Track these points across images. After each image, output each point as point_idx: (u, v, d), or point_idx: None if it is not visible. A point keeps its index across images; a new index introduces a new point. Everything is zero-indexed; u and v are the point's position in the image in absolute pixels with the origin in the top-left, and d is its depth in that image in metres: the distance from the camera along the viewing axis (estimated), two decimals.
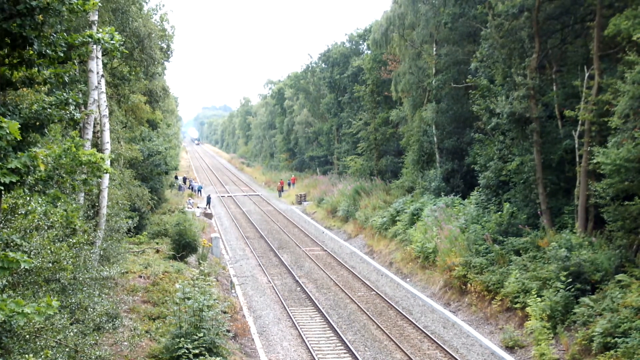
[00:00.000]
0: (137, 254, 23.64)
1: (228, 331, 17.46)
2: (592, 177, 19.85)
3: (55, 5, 7.53)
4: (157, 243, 26.78)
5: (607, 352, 14.40)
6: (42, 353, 8.83)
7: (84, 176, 10.69)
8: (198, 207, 45.60)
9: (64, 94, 8.48)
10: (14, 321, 7.22)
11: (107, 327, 12.99)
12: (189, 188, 57.89)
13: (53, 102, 8.34)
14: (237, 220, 43.60)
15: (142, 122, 31.27)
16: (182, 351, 13.46)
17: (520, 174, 22.76)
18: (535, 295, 17.84)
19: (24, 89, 9.33)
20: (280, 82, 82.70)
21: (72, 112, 8.56)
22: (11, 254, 6.62)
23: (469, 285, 21.43)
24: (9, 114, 7.75)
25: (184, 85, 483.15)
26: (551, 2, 22.73)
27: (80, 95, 15.46)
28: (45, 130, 8.30)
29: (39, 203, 9.43)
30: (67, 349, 9.84)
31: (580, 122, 20.49)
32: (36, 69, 8.12)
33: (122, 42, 9.05)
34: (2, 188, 6.89)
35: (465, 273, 21.78)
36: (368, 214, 35.43)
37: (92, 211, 16.84)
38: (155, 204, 32.30)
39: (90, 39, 8.36)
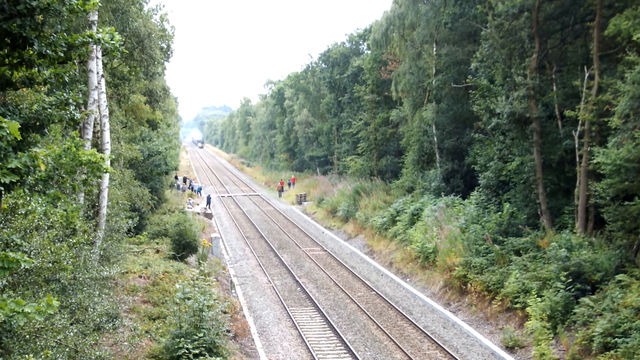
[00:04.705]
0: (137, 254, 23.64)
1: (228, 331, 17.47)
2: (592, 177, 19.86)
3: (56, 6, 7.52)
4: (157, 243, 26.78)
5: (607, 352, 14.40)
6: (42, 353, 8.83)
7: (84, 176, 10.70)
8: (198, 205, 45.90)
9: (64, 94, 8.47)
10: (14, 321, 7.22)
11: (107, 327, 12.99)
12: (189, 188, 57.93)
13: (53, 102, 8.34)
14: (237, 220, 43.60)
15: (142, 122, 31.23)
16: (182, 351, 13.46)
17: (520, 174, 22.77)
18: (536, 296, 17.85)
19: (24, 89, 9.33)
20: (280, 82, 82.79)
21: (72, 112, 8.55)
22: (11, 254, 6.62)
23: (469, 285, 21.42)
24: (9, 114, 7.75)
25: (184, 85, 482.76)
26: (551, 2, 22.75)
27: (80, 96, 15.52)
28: (46, 130, 8.28)
29: (39, 203, 9.42)
30: (67, 349, 9.84)
31: (580, 122, 20.49)
32: (36, 69, 8.11)
33: (122, 42, 9.05)
34: (2, 188, 6.89)
35: (465, 273, 21.77)
36: (368, 214, 35.43)
37: (92, 211, 16.84)
38: (155, 204, 32.30)
39: (90, 39, 8.36)
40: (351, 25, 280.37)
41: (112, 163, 20.55)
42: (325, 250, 32.58)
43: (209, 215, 43.31)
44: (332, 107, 56.27)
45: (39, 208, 9.41)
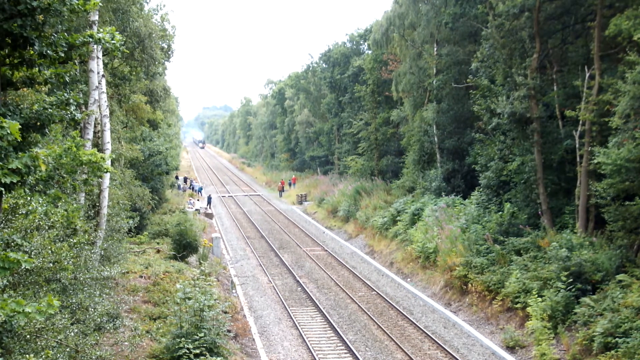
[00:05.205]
0: (138, 254, 23.65)
1: (229, 331, 17.47)
2: (592, 177, 19.84)
3: (56, 6, 7.52)
4: (158, 243, 26.79)
5: (608, 352, 14.40)
6: (42, 353, 8.83)
7: (84, 176, 10.72)
8: (198, 200, 46.01)
9: (65, 94, 8.47)
10: (15, 321, 7.23)
11: (108, 327, 13.00)
12: (189, 188, 57.95)
13: (54, 102, 8.34)
14: (237, 220, 43.60)
15: (142, 122, 31.26)
16: (183, 351, 13.47)
17: (521, 174, 22.76)
18: (536, 295, 17.84)
19: (25, 89, 9.34)
20: (280, 82, 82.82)
21: (73, 112, 8.55)
22: (12, 254, 6.63)
23: (469, 285, 21.42)
24: (10, 114, 7.75)
25: (185, 85, 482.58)
26: (552, 2, 22.73)
27: (81, 95, 15.52)
28: (46, 130, 8.29)
29: (39, 203, 9.42)
30: (67, 349, 9.84)
31: (580, 122, 20.48)
32: (37, 69, 8.12)
33: (122, 42, 9.04)
34: (3, 188, 6.89)
35: (466, 273, 21.77)
36: (369, 214, 35.42)
37: (93, 211, 16.85)
38: (155, 204, 32.31)
39: (91, 39, 8.35)
40: (351, 25, 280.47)
41: (112, 163, 20.56)
42: (326, 250, 32.58)
43: (209, 215, 43.33)
44: (332, 107, 56.28)
45: (39, 208, 9.41)
